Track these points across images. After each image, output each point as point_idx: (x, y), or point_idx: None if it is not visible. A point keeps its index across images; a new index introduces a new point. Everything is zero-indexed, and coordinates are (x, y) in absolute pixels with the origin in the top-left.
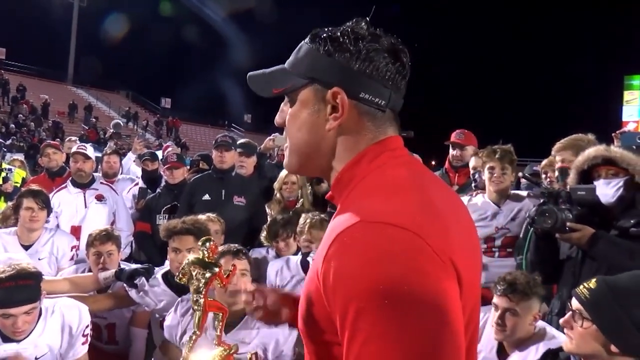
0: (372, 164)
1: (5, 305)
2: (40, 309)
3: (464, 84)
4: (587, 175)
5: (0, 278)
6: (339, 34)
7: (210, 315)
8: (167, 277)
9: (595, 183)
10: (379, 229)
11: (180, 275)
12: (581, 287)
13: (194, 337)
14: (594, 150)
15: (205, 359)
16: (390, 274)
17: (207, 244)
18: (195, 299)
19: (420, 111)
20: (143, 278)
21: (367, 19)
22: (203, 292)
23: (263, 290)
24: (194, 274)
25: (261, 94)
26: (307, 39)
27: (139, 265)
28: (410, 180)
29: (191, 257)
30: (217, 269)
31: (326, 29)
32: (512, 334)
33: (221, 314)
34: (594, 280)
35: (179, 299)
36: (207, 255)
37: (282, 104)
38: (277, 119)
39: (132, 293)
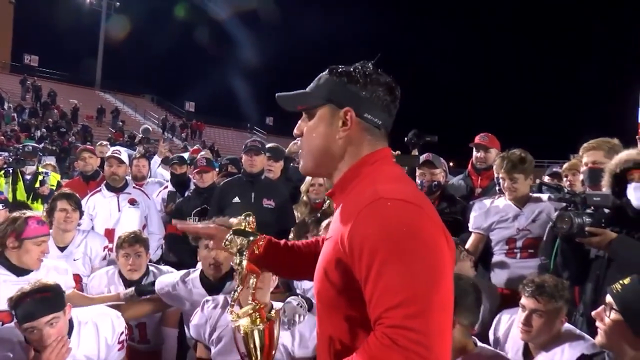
0: (372, 165)
1: (27, 319)
2: (72, 322)
3: (486, 88)
4: (621, 178)
5: (19, 297)
6: (352, 69)
7: None
8: (202, 279)
9: (628, 186)
10: (394, 202)
11: (227, 243)
12: (617, 283)
13: (238, 290)
14: (626, 154)
15: (242, 311)
16: (405, 232)
17: (248, 218)
18: (238, 261)
19: (442, 116)
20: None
21: (373, 61)
22: (246, 254)
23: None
24: (237, 240)
25: (287, 109)
26: (326, 72)
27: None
28: (402, 175)
29: (235, 228)
30: (257, 236)
31: (341, 66)
32: (538, 336)
33: (256, 275)
34: (630, 277)
35: (205, 298)
36: (247, 226)
37: (300, 120)
38: (296, 131)
39: (160, 289)
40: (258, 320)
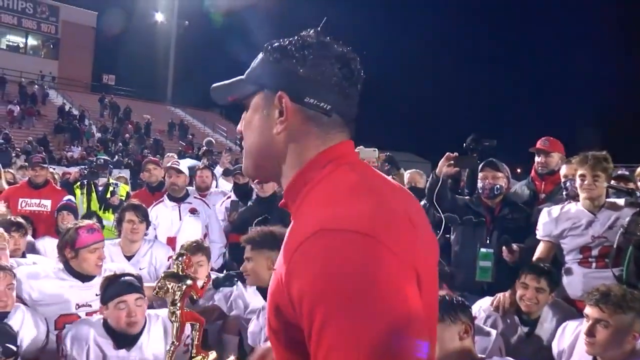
0: (324, 170)
1: (121, 294)
2: (145, 317)
3: (550, 92)
4: None
5: (112, 277)
6: (286, 42)
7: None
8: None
9: None
10: (340, 237)
11: (157, 289)
12: None
13: (172, 348)
14: None
15: None
16: (352, 279)
17: (181, 258)
18: (172, 310)
19: (505, 119)
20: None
21: (319, 28)
22: (179, 305)
23: None
24: (169, 287)
25: (219, 102)
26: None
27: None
28: (364, 185)
29: (167, 271)
30: (190, 282)
31: (279, 40)
32: (605, 349)
33: (198, 324)
34: None
35: (262, 306)
36: (181, 268)
37: (243, 113)
38: (238, 126)
39: (218, 298)
40: None
